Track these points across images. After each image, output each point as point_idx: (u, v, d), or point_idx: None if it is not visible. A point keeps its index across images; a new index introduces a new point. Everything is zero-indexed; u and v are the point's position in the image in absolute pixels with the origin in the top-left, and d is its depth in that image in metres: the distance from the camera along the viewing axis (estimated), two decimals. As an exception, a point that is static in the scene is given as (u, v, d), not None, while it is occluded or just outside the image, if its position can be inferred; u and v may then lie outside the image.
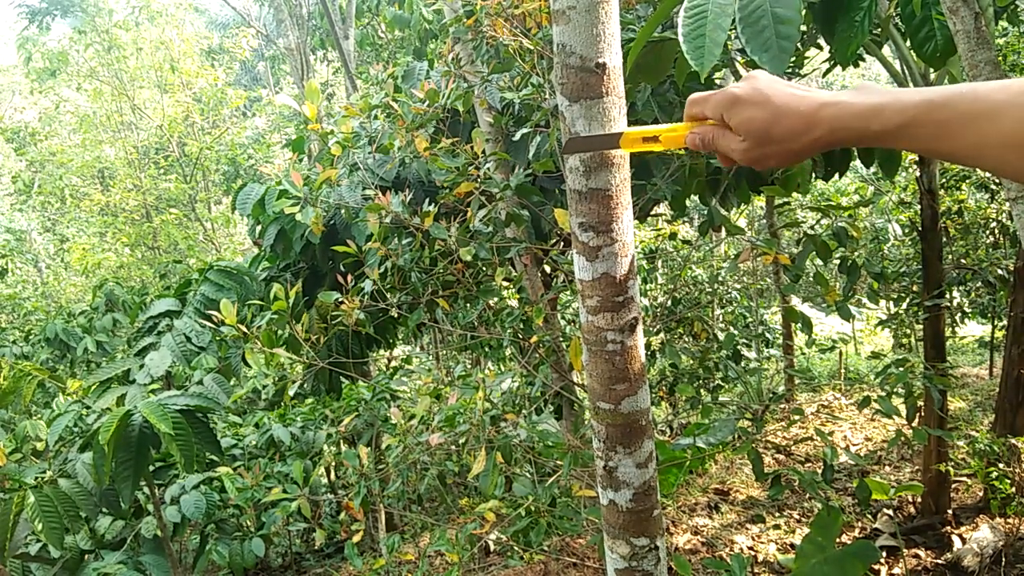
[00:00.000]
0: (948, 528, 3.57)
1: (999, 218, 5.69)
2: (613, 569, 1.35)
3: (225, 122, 11.62)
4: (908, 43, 2.47)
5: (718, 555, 3.85)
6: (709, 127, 0.72)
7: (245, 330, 2.41)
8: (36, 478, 3.29)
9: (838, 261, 2.82)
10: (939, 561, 3.37)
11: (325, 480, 5.94)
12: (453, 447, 2.48)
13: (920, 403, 2.95)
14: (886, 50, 2.83)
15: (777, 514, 4.33)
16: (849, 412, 6.14)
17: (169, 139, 10.31)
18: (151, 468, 3.68)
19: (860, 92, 0.62)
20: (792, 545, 3.88)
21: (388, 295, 2.54)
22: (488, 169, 2.34)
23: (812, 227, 2.61)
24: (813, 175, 3.18)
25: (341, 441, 5.09)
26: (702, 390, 4.85)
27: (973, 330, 9.83)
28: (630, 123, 0.85)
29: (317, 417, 5.09)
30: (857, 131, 0.62)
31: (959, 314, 6.49)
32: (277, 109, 12.51)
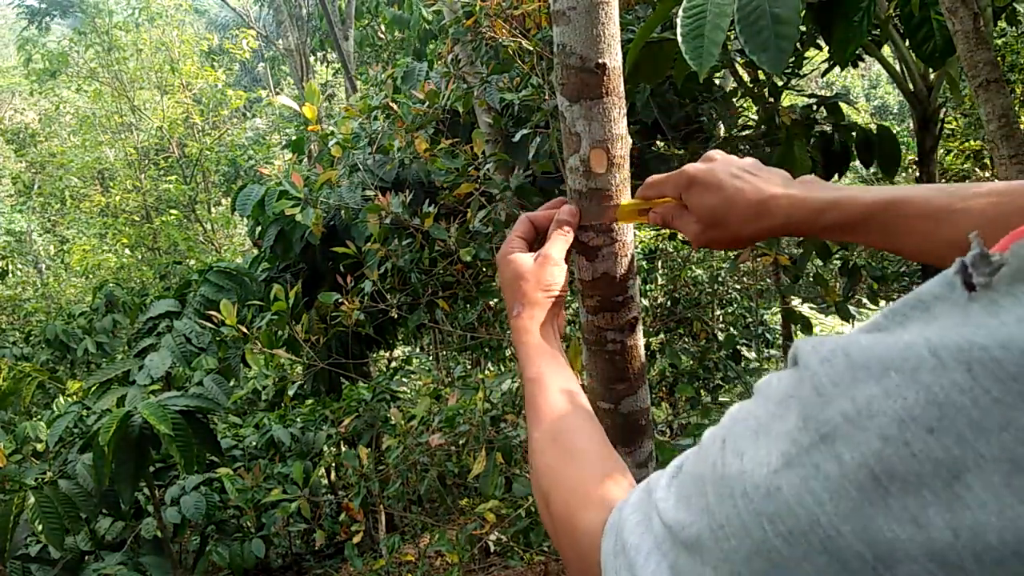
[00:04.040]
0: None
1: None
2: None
3: (225, 123, 11.62)
4: (907, 43, 2.47)
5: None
6: (670, 206, 0.76)
7: (245, 331, 2.41)
8: (36, 479, 3.29)
9: (838, 262, 2.82)
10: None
11: (325, 481, 5.93)
12: (453, 448, 2.48)
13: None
14: (885, 50, 2.83)
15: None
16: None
17: (169, 140, 10.31)
18: (151, 469, 3.68)
19: (809, 186, 0.66)
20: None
21: (388, 296, 2.54)
22: (488, 170, 2.34)
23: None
24: (812, 176, 3.18)
25: (341, 442, 5.08)
26: (702, 390, 4.85)
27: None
28: (630, 124, 0.85)
29: (317, 418, 5.09)
30: (808, 223, 0.64)
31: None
32: (277, 110, 12.51)
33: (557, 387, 0.66)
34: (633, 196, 0.83)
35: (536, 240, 0.82)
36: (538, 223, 0.82)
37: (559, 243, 0.78)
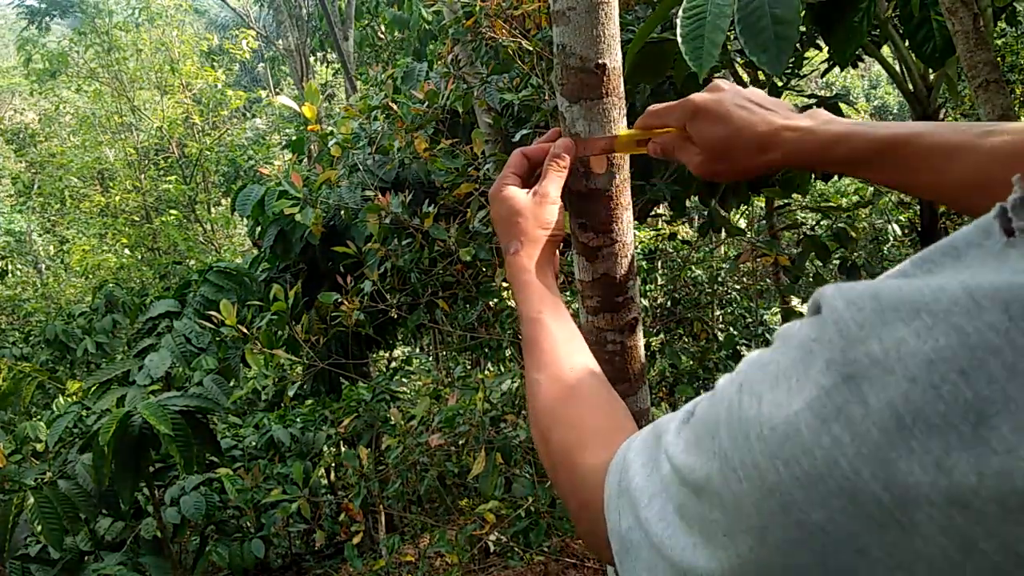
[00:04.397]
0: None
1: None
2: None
3: (225, 123, 11.62)
4: (907, 44, 2.47)
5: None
6: (670, 136, 0.73)
7: (245, 331, 2.41)
8: (36, 479, 3.28)
9: (838, 262, 2.82)
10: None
11: (325, 481, 5.93)
12: (453, 448, 2.48)
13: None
14: (885, 51, 2.83)
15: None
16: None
17: (169, 140, 10.31)
18: (151, 469, 3.67)
19: (817, 118, 0.64)
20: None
21: (388, 296, 2.54)
22: (488, 170, 2.34)
23: (812, 228, 2.61)
24: (813, 176, 3.18)
25: (341, 442, 5.08)
26: (702, 390, 4.84)
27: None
28: (630, 124, 0.85)
29: (317, 418, 5.09)
30: (817, 156, 0.63)
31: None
32: (277, 110, 12.50)
33: (559, 328, 0.65)
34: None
35: (531, 176, 0.80)
36: (532, 157, 0.80)
37: (555, 180, 0.76)
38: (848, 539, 0.28)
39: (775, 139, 0.64)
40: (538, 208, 0.73)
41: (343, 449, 5.13)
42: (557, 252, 0.76)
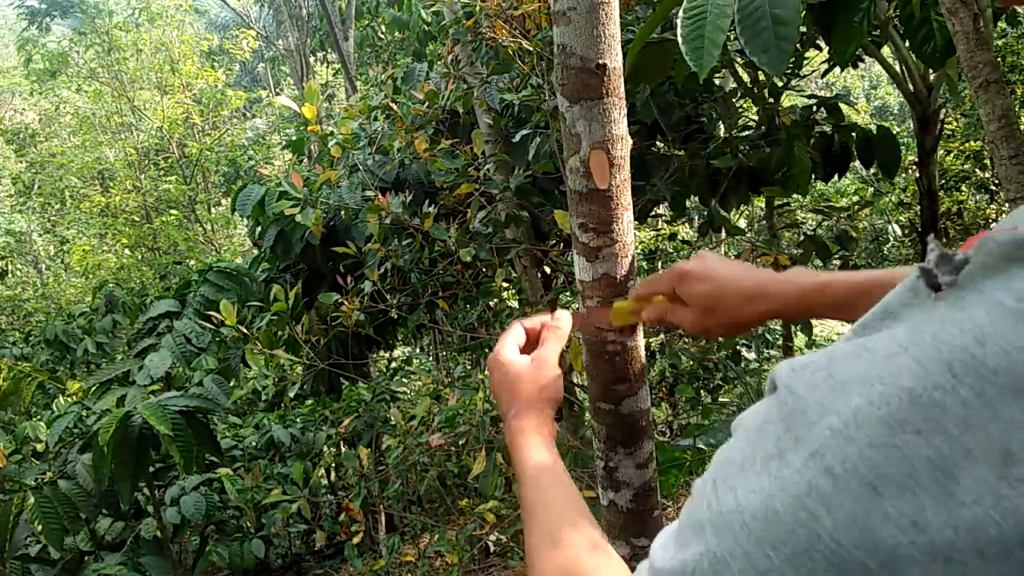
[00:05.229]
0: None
1: (998, 219, 5.69)
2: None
3: (225, 123, 11.62)
4: (907, 44, 2.47)
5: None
6: (663, 304, 0.79)
7: (245, 331, 2.41)
8: (36, 479, 3.29)
9: (838, 262, 2.82)
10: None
11: (325, 481, 5.93)
12: (453, 448, 2.48)
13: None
14: (885, 51, 2.83)
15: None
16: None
17: (169, 140, 10.31)
18: (151, 469, 3.67)
19: (798, 273, 0.71)
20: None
21: (388, 296, 2.54)
22: (488, 170, 2.34)
23: (812, 228, 2.61)
24: (813, 176, 3.18)
25: (341, 442, 5.08)
26: (702, 391, 4.85)
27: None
28: (630, 124, 0.85)
29: (317, 418, 5.09)
30: (805, 303, 0.69)
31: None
32: (277, 110, 12.50)
33: (557, 493, 0.66)
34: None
35: (528, 346, 0.82)
36: (530, 330, 0.82)
37: (554, 347, 0.78)
38: None
39: (763, 291, 0.70)
40: (537, 373, 0.75)
41: (343, 449, 5.13)
42: (554, 413, 0.78)
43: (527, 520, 0.65)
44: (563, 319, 0.80)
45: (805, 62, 2.95)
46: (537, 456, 0.69)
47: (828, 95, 2.69)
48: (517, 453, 0.71)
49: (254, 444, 5.04)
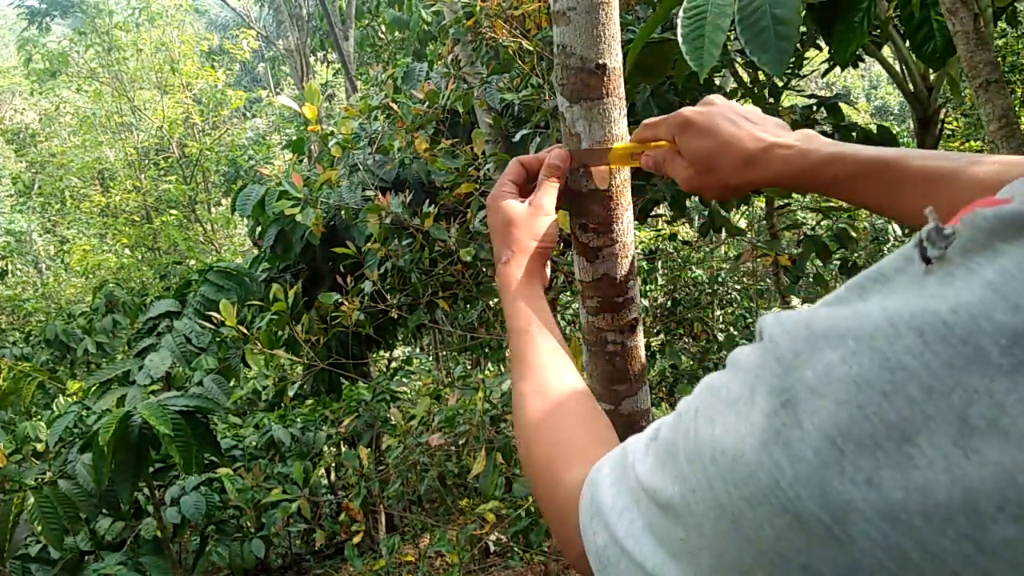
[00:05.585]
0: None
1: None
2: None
3: (225, 123, 11.62)
4: (907, 44, 2.47)
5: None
6: (662, 150, 0.74)
7: (245, 331, 2.41)
8: (36, 479, 3.29)
9: (838, 262, 2.82)
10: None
11: (325, 481, 5.93)
12: (453, 448, 2.48)
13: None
14: (885, 51, 2.83)
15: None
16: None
17: (169, 140, 10.31)
18: (151, 469, 3.68)
19: (809, 138, 0.63)
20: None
21: (388, 296, 2.54)
22: (488, 170, 2.34)
23: (812, 228, 2.61)
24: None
25: (341, 442, 5.08)
26: (702, 391, 4.83)
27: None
28: (630, 124, 0.85)
29: (317, 418, 5.09)
30: (806, 175, 0.62)
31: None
32: (277, 110, 12.51)
33: (545, 341, 0.66)
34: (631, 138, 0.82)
35: (527, 184, 0.81)
36: (529, 167, 0.81)
37: (549, 191, 0.77)
38: (795, 555, 0.29)
39: (764, 156, 0.63)
40: (532, 219, 0.74)
41: (343, 449, 5.13)
42: (548, 264, 0.77)
43: (513, 369, 0.65)
44: (560, 158, 0.79)
45: (805, 62, 2.95)
46: (522, 307, 0.69)
47: (828, 95, 2.69)
48: (505, 303, 0.71)
49: (254, 444, 5.04)
